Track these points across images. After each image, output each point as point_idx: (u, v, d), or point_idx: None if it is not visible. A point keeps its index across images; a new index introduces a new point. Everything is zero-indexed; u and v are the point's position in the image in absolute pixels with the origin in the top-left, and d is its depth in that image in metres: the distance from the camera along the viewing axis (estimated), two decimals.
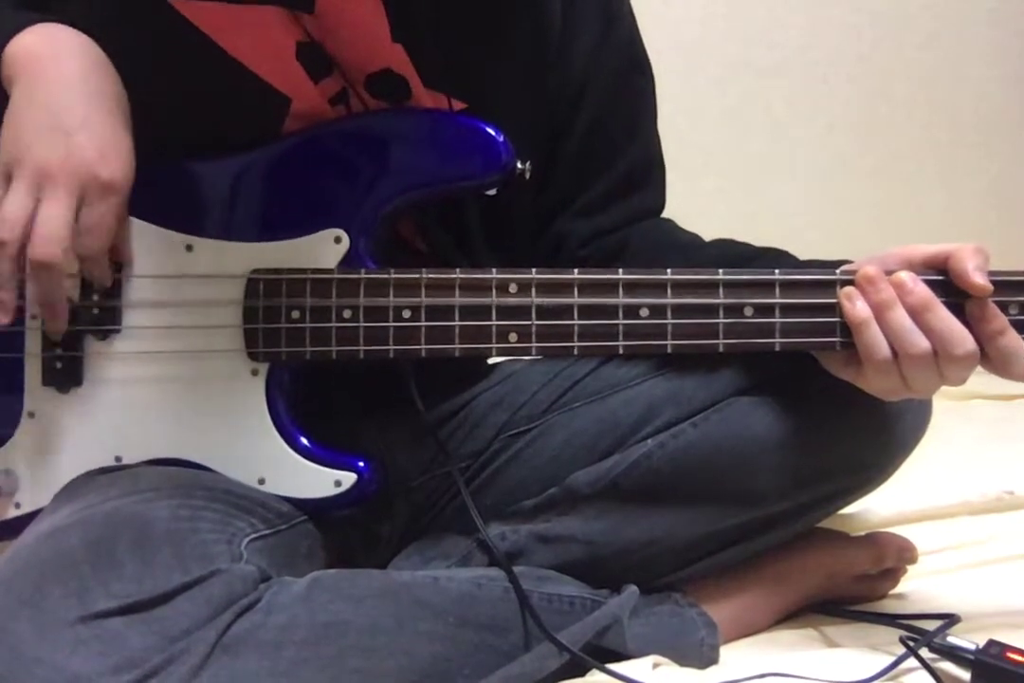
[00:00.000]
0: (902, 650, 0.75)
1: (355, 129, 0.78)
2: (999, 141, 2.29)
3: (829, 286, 0.71)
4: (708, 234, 0.88)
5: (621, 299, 0.73)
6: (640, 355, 0.73)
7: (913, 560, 0.93)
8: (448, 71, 0.78)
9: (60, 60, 0.73)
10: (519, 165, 0.76)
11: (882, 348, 0.68)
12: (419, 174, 0.76)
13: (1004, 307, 0.69)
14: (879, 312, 0.69)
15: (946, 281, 0.70)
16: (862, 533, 0.95)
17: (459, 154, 0.76)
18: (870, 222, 2.13)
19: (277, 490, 0.76)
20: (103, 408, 0.77)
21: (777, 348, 0.72)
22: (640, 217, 0.89)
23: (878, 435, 0.80)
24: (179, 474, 0.74)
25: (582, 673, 0.73)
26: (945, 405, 0.92)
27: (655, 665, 0.75)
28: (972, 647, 0.73)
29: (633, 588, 0.79)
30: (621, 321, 0.73)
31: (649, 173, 0.91)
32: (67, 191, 0.69)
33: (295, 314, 0.75)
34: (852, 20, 2.16)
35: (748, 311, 0.72)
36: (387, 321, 0.74)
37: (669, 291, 0.72)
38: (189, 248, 0.77)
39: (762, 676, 0.72)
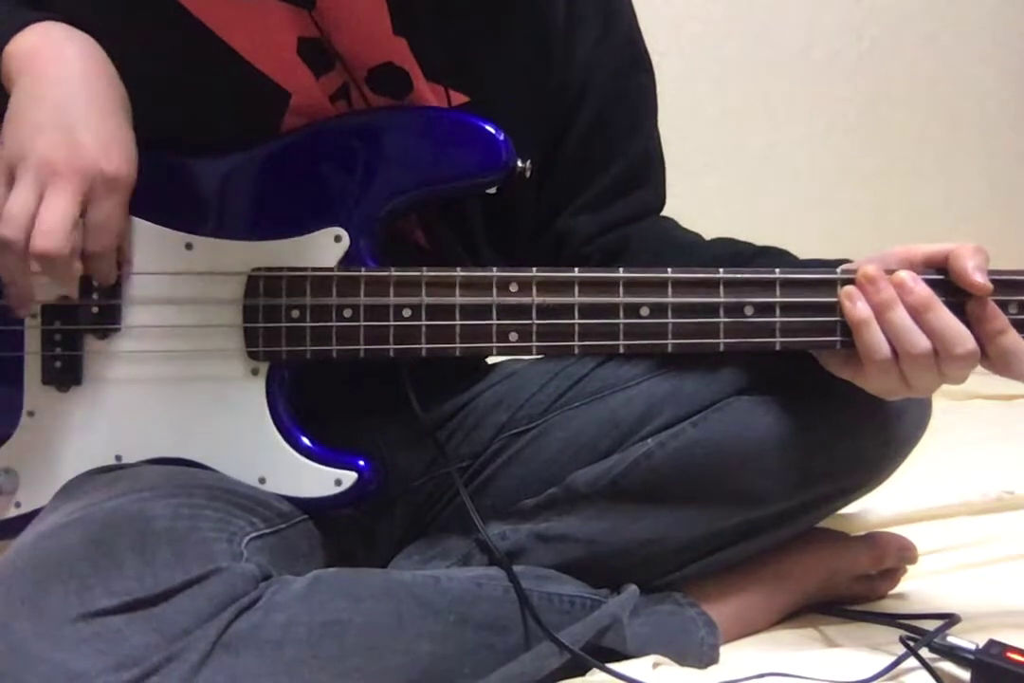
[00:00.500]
0: (902, 650, 0.75)
1: (355, 127, 0.78)
2: (999, 141, 2.29)
3: (830, 285, 0.71)
4: (708, 234, 0.88)
5: (622, 298, 0.73)
6: (641, 354, 0.73)
7: (913, 560, 0.93)
8: (449, 64, 0.78)
9: (61, 59, 0.73)
10: (520, 164, 0.76)
11: (882, 347, 0.68)
12: (419, 173, 0.76)
13: (1004, 306, 0.69)
14: (879, 311, 0.69)
15: (946, 280, 0.70)
16: (862, 533, 0.95)
17: (460, 153, 0.76)
18: (870, 222, 2.14)
19: (277, 489, 0.76)
20: (103, 407, 0.77)
21: (777, 347, 0.72)
22: (641, 215, 0.89)
23: (878, 435, 0.80)
24: (179, 473, 0.74)
25: (582, 673, 0.73)
26: (945, 405, 0.92)
27: (655, 665, 0.75)
28: (972, 647, 0.73)
29: (633, 588, 0.79)
30: (622, 320, 0.73)
31: (650, 170, 0.91)
32: (72, 188, 0.69)
33: (295, 313, 0.75)
34: (852, 20, 2.16)
35: (749, 310, 0.72)
36: (387, 320, 0.74)
37: (670, 290, 0.72)
38: (189, 246, 0.77)
39: (762, 676, 0.72)
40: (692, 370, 0.81)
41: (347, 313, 0.74)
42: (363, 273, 0.74)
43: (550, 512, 0.81)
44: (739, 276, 0.72)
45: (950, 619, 0.80)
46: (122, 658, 0.60)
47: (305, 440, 0.76)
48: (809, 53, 2.14)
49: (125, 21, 0.75)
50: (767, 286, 0.72)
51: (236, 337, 0.76)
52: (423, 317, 0.74)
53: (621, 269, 0.73)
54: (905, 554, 0.93)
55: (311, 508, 0.77)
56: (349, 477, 0.76)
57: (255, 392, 0.76)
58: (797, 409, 0.78)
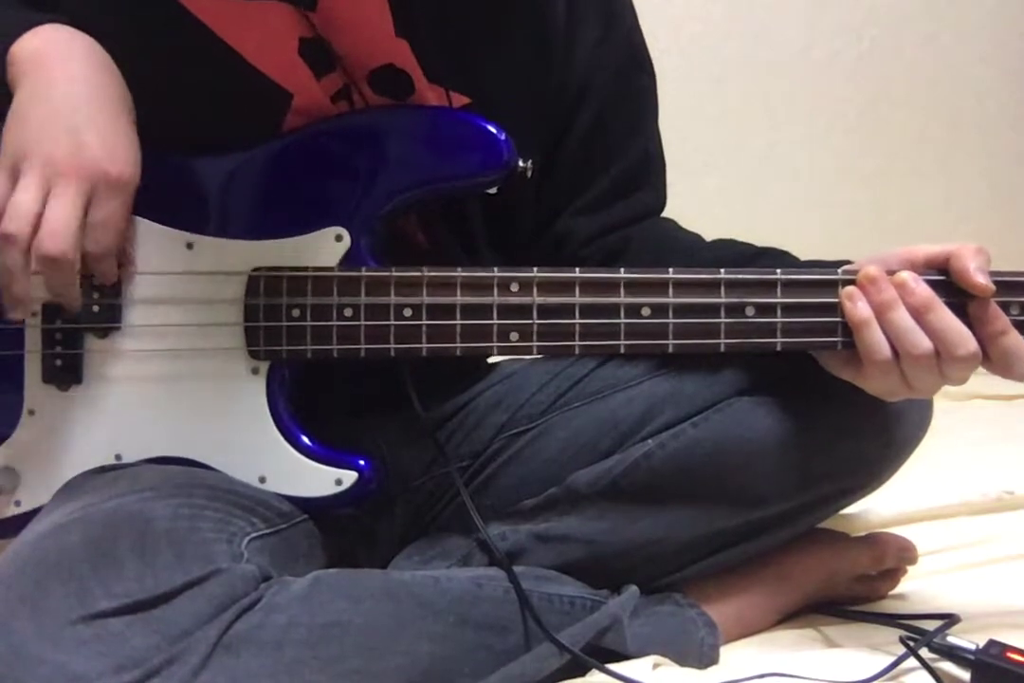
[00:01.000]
0: (902, 650, 0.75)
1: (356, 126, 0.78)
2: (999, 141, 2.29)
3: (831, 286, 0.71)
4: (708, 234, 0.88)
5: (623, 298, 0.73)
6: (642, 354, 0.73)
7: (913, 561, 0.93)
8: (451, 66, 0.78)
9: (65, 61, 0.73)
10: (521, 164, 0.76)
11: (883, 348, 0.68)
12: (420, 172, 0.76)
13: (1005, 307, 0.69)
14: (880, 312, 0.69)
15: (947, 281, 0.70)
16: (862, 533, 0.95)
17: (461, 152, 0.76)
18: (870, 222, 2.14)
19: (278, 488, 0.76)
20: (103, 406, 0.77)
21: (779, 348, 0.72)
22: (642, 216, 0.89)
23: (879, 436, 0.80)
24: (180, 473, 0.74)
25: (582, 673, 0.73)
26: (945, 405, 0.92)
27: (655, 665, 0.75)
28: (972, 647, 0.73)
29: (633, 588, 0.79)
30: (623, 320, 0.73)
31: (650, 172, 0.91)
32: (77, 188, 0.69)
33: (296, 312, 0.75)
34: (852, 20, 2.16)
35: (750, 311, 0.72)
36: (388, 320, 0.74)
37: (671, 290, 0.72)
38: (190, 246, 0.77)
39: (762, 676, 0.72)
40: (693, 371, 0.81)
41: (348, 312, 0.74)
42: (364, 273, 0.74)
43: (550, 512, 0.81)
44: (740, 277, 0.72)
45: (950, 619, 0.80)
46: (123, 660, 0.60)
47: (305, 439, 0.76)
48: (809, 53, 2.14)
49: (127, 22, 0.75)
50: (768, 287, 0.72)
51: (237, 336, 0.76)
52: (424, 317, 0.74)
53: (622, 269, 0.73)
54: (905, 554, 0.93)
55: (311, 508, 0.77)
56: (349, 477, 0.75)
57: (256, 391, 0.76)
58: (798, 410, 0.78)
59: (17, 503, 0.78)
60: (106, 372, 0.77)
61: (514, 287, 0.73)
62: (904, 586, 0.94)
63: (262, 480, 0.76)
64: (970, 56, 2.24)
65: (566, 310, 0.73)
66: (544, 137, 0.84)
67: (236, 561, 0.67)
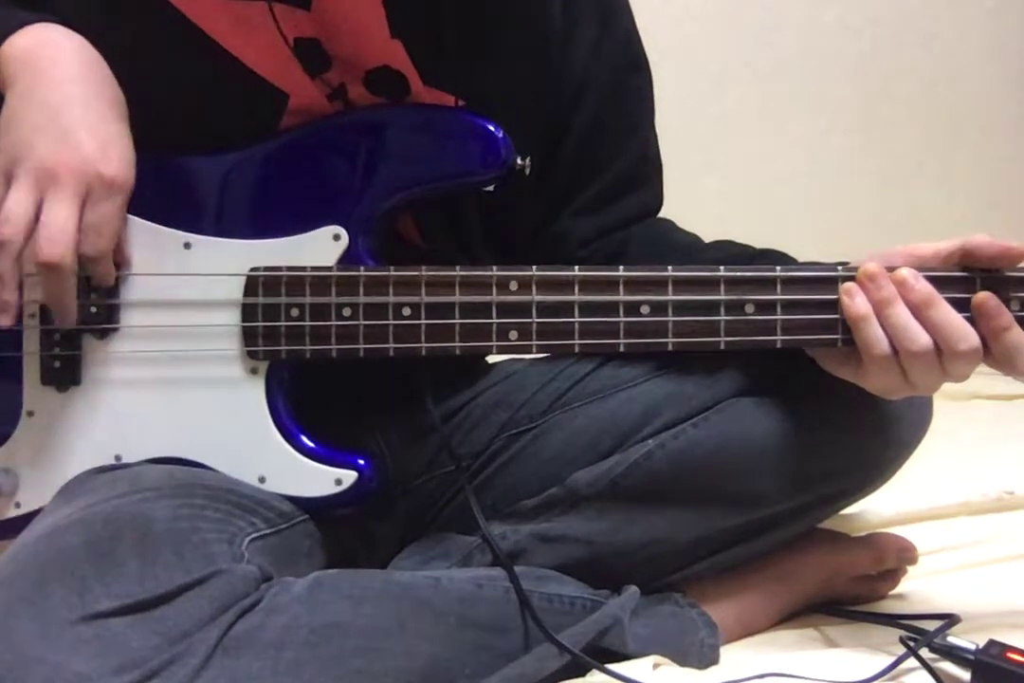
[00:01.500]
0: (902, 650, 0.75)
1: (353, 125, 0.78)
2: (999, 141, 2.29)
3: (830, 282, 0.71)
4: (708, 234, 0.88)
5: (622, 296, 0.73)
6: (641, 352, 0.73)
7: (913, 561, 0.93)
8: (447, 68, 0.78)
9: (57, 61, 0.73)
10: (519, 161, 0.76)
11: (882, 344, 0.68)
12: (418, 170, 0.76)
13: (1005, 303, 0.69)
14: (879, 309, 0.69)
15: (948, 278, 0.70)
16: (862, 534, 0.95)
17: (458, 150, 0.76)
18: (870, 222, 2.13)
19: (278, 488, 0.76)
20: (102, 407, 0.77)
21: (778, 345, 0.72)
22: (639, 217, 0.89)
23: (879, 436, 0.80)
24: (180, 473, 0.74)
25: (582, 673, 0.73)
26: (945, 405, 0.92)
27: (655, 665, 0.75)
28: (972, 647, 0.73)
29: (633, 588, 0.79)
30: (622, 319, 0.73)
31: (648, 172, 0.91)
32: (72, 190, 0.69)
33: (294, 312, 0.75)
34: (852, 20, 2.16)
35: (749, 308, 0.72)
36: (387, 319, 0.74)
37: (670, 288, 0.72)
38: (187, 246, 0.77)
39: (762, 676, 0.72)
40: (693, 371, 0.81)
41: (346, 312, 0.74)
42: (362, 272, 0.74)
43: (551, 512, 0.81)
44: (740, 274, 0.72)
45: (950, 619, 0.80)
46: (123, 660, 0.60)
47: (305, 439, 0.76)
48: (809, 53, 2.14)
49: (118, 22, 0.75)
50: (768, 284, 0.72)
51: (235, 337, 0.76)
52: (423, 316, 0.73)
53: (621, 267, 0.73)
54: (905, 555, 0.92)
55: (312, 507, 0.77)
56: (349, 476, 0.75)
57: (255, 391, 0.76)
58: (798, 410, 0.78)
59: (17, 504, 0.77)
60: (105, 373, 0.77)
61: (513, 285, 0.73)
62: (904, 586, 0.94)
63: (262, 480, 0.76)
64: (970, 56, 2.24)
65: (565, 308, 0.73)
66: (541, 138, 0.84)
67: (237, 562, 0.67)
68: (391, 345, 0.74)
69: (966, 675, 0.73)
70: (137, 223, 0.76)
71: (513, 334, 0.73)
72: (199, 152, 0.77)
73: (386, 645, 0.66)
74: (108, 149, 0.71)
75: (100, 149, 0.71)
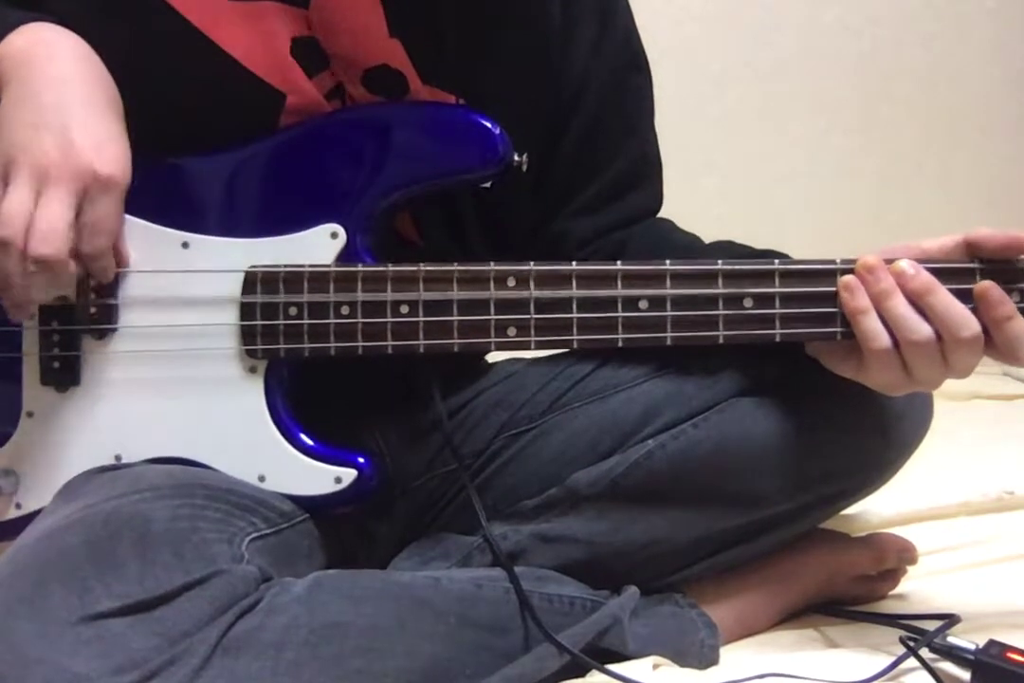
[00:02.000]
0: (902, 650, 0.75)
1: (350, 123, 0.78)
2: (999, 141, 2.28)
3: (829, 275, 0.71)
4: (708, 234, 0.88)
5: (620, 291, 0.72)
6: (640, 347, 0.73)
7: (913, 561, 0.93)
8: (446, 67, 0.78)
9: (54, 60, 0.73)
10: (516, 157, 0.76)
11: (881, 336, 0.68)
12: (416, 167, 0.76)
13: (1007, 294, 0.68)
14: (878, 301, 0.68)
15: (949, 269, 0.69)
16: (862, 534, 0.95)
17: (456, 147, 0.76)
18: (870, 222, 2.13)
19: (277, 487, 0.76)
20: (102, 407, 0.77)
21: (777, 339, 0.72)
22: (638, 217, 0.89)
23: (880, 436, 0.80)
24: (179, 473, 0.74)
25: (582, 674, 0.73)
26: (945, 405, 0.92)
27: (655, 666, 0.75)
28: (972, 647, 0.73)
29: (633, 589, 0.79)
30: (620, 313, 0.72)
31: (647, 172, 0.91)
32: (68, 189, 0.69)
33: (293, 310, 0.74)
34: (852, 20, 2.16)
35: (748, 301, 0.72)
36: (385, 316, 0.74)
37: (668, 282, 0.72)
38: (185, 245, 0.77)
39: (762, 676, 0.72)
40: (693, 371, 0.81)
41: (345, 310, 0.74)
42: (360, 269, 0.74)
43: (551, 513, 0.81)
44: (738, 267, 0.72)
45: (950, 619, 0.80)
46: (123, 661, 0.60)
47: (304, 438, 0.76)
48: (809, 53, 2.14)
49: (114, 22, 0.75)
50: (766, 277, 0.72)
51: (234, 335, 0.76)
52: (421, 313, 0.73)
53: (619, 262, 0.73)
54: (905, 555, 0.92)
55: (312, 506, 0.77)
56: (349, 475, 0.75)
57: (254, 390, 0.76)
58: (798, 411, 0.78)
59: (17, 505, 0.78)
60: (104, 373, 0.77)
61: (511, 281, 0.73)
62: (904, 586, 0.94)
63: (261, 479, 0.76)
64: (970, 56, 2.24)
65: (563, 304, 0.73)
66: (540, 138, 0.84)
67: (236, 562, 0.67)
68: (389, 343, 0.74)
69: (966, 675, 0.73)
70: (135, 223, 0.76)
71: (511, 330, 0.73)
72: (196, 152, 0.77)
73: (386, 645, 0.66)
74: (104, 148, 0.71)
75: (96, 147, 0.71)
